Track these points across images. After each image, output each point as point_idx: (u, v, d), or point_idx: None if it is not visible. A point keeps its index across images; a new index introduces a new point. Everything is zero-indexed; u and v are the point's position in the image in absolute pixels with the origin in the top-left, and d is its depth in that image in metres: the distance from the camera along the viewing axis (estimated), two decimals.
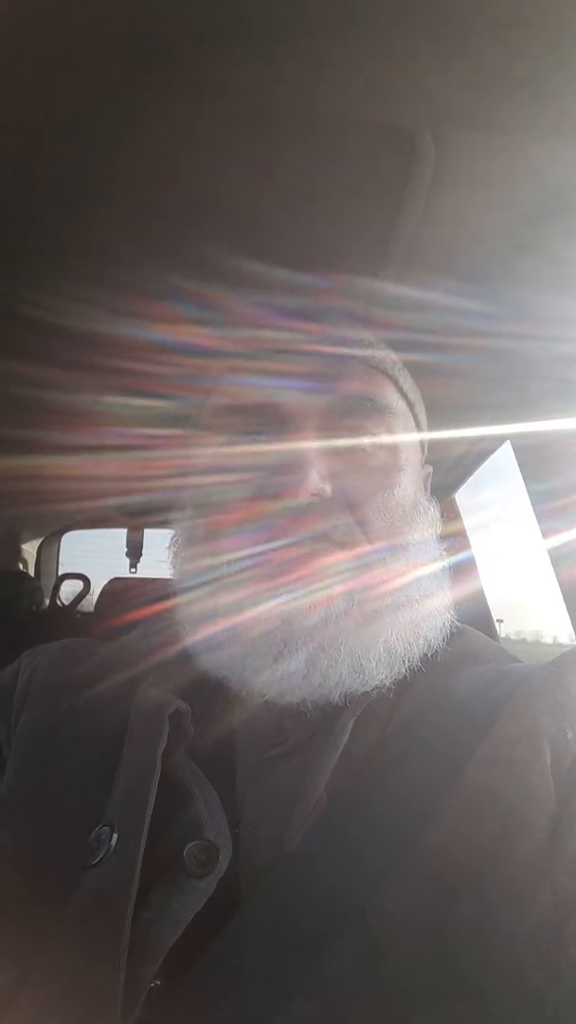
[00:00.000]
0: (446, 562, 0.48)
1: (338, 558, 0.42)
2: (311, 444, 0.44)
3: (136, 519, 1.76)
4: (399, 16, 0.35)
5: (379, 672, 0.41)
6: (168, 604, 0.47)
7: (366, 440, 0.46)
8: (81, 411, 0.82)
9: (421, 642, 0.44)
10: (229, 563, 0.42)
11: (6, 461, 1.09)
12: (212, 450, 0.48)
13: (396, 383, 0.50)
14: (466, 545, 1.24)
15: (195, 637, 0.44)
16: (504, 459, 0.97)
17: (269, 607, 0.40)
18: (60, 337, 0.68)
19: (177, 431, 0.59)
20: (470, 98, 0.41)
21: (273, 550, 0.41)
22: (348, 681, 0.41)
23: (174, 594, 0.47)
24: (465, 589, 0.54)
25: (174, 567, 0.49)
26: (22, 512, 1.85)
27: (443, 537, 0.50)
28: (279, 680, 0.40)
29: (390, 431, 0.47)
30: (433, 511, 0.50)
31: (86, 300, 0.60)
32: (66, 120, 0.42)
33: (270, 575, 0.41)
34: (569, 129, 0.42)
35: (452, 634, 0.46)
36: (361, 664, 0.41)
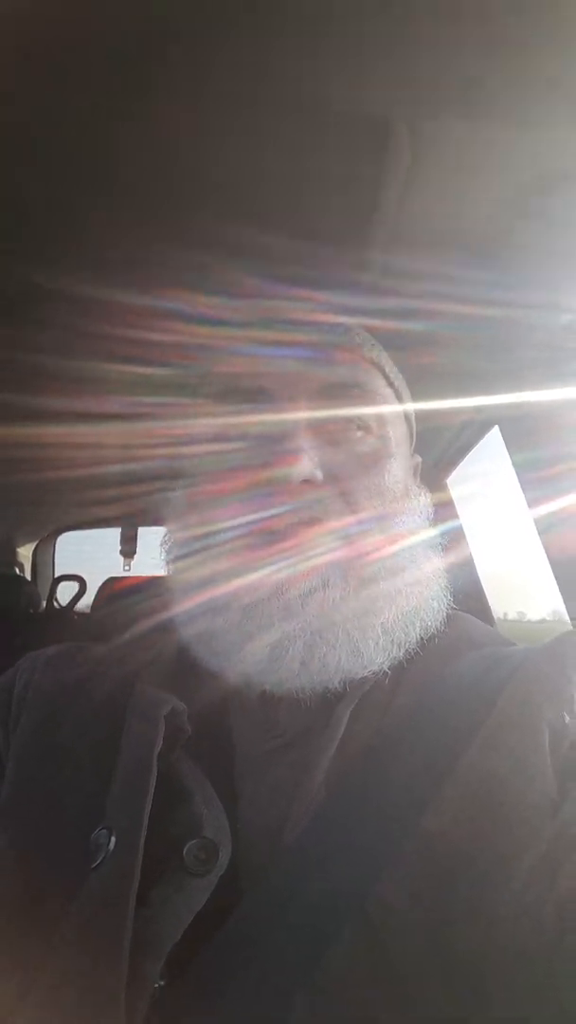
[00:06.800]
0: (436, 533, 0.48)
1: (330, 527, 0.42)
2: (302, 415, 0.44)
3: (129, 519, 1.77)
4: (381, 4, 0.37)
5: (377, 655, 0.41)
6: (161, 604, 0.47)
7: (355, 417, 0.46)
8: (76, 378, 0.83)
9: (418, 625, 0.44)
10: (221, 532, 0.42)
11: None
12: (202, 421, 0.48)
13: (383, 371, 0.50)
14: (460, 530, 1.25)
15: (186, 605, 0.44)
16: (493, 446, 0.98)
17: (261, 575, 0.40)
18: (58, 307, 0.69)
19: (169, 399, 0.60)
20: (447, 84, 0.43)
21: (265, 519, 0.41)
22: (347, 666, 0.40)
23: (166, 566, 0.48)
24: (460, 574, 0.55)
25: (166, 541, 0.49)
26: (17, 515, 1.86)
27: (436, 521, 0.50)
28: (277, 670, 0.40)
29: (379, 417, 0.48)
30: (424, 497, 0.50)
31: (83, 270, 0.62)
32: (70, 95, 0.43)
33: (261, 544, 0.41)
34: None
35: (448, 619, 0.46)
36: (359, 647, 0.41)
